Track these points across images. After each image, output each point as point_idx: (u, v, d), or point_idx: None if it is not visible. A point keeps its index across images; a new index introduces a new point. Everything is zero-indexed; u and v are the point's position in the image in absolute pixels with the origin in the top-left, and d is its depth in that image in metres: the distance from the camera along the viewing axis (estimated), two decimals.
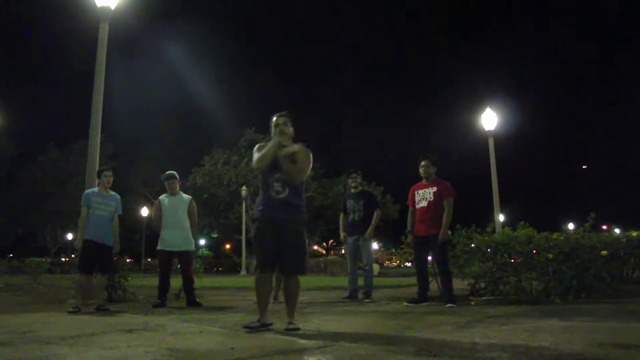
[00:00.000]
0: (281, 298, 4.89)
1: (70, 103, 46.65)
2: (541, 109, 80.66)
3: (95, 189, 5.80)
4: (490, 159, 11.00)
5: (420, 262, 6.05)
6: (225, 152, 32.80)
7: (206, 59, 57.60)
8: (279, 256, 3.66)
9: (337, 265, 22.67)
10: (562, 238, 5.93)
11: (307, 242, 3.91)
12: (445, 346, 2.86)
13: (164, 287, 6.08)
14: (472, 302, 5.76)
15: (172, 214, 6.21)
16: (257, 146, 3.83)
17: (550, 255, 5.67)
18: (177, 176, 6.46)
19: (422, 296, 5.89)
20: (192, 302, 6.01)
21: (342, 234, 7.25)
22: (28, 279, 12.91)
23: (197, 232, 7.36)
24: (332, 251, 47.21)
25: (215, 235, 38.49)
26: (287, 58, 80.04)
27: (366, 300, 6.53)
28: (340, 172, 31.90)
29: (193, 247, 6.36)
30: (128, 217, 30.12)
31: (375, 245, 24.98)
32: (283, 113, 3.82)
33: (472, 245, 6.39)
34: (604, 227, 9.86)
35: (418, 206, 6.07)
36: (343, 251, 22.40)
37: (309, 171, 3.82)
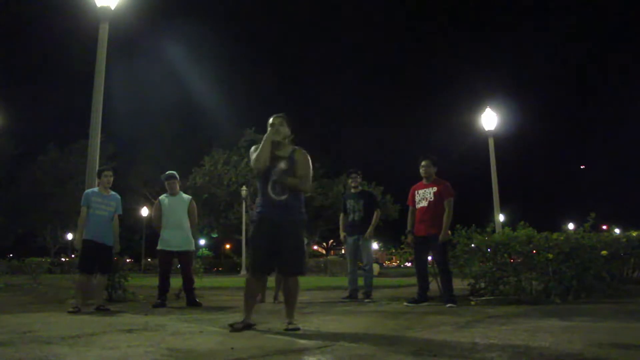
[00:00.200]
0: (281, 298, 4.90)
1: (70, 103, 46.74)
2: (541, 109, 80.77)
3: (96, 189, 5.80)
4: (490, 159, 11.00)
5: (420, 262, 6.05)
6: (225, 152, 32.83)
7: (206, 59, 57.80)
8: (279, 257, 3.67)
9: (337, 265, 22.64)
10: (562, 238, 5.93)
11: (306, 242, 3.91)
12: (445, 346, 2.86)
13: (164, 287, 6.09)
14: (472, 302, 5.76)
15: (172, 214, 6.21)
16: (253, 147, 3.83)
17: (550, 255, 5.67)
18: (177, 176, 6.46)
19: (422, 296, 5.89)
20: (192, 302, 6.02)
21: (342, 234, 7.25)
22: (28, 279, 12.93)
23: (197, 232, 7.36)
24: (332, 251, 47.18)
25: (215, 235, 38.51)
26: (287, 58, 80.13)
27: (366, 300, 6.53)
28: (340, 172, 31.94)
29: (193, 247, 6.36)
30: (128, 217, 30.19)
31: (375, 245, 25.02)
32: (280, 114, 3.83)
33: (472, 245, 6.39)
34: (604, 227, 9.89)
35: (418, 206, 6.07)
36: (343, 251, 22.41)
37: (311, 173, 3.83)
